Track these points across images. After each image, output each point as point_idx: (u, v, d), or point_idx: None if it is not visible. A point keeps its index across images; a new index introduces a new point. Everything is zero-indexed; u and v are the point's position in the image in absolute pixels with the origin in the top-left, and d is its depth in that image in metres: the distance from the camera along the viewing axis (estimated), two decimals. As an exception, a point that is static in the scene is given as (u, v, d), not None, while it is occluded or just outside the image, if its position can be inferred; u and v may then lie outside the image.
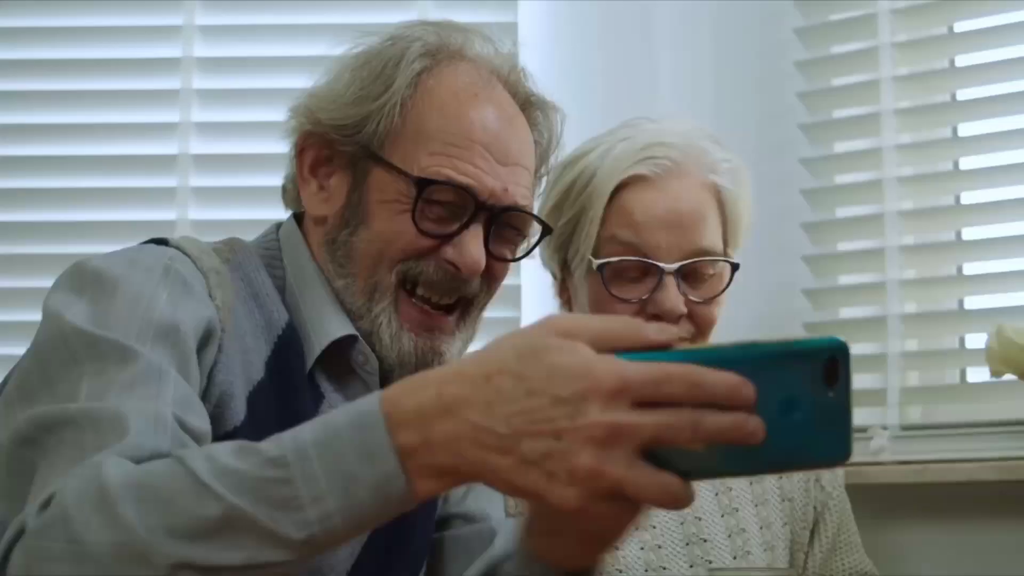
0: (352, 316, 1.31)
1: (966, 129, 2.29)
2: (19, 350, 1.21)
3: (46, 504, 0.92)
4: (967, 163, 2.27)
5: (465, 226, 1.30)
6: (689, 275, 1.58)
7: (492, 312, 1.44)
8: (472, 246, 1.30)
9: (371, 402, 0.90)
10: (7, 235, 2.39)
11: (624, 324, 0.88)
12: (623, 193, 1.59)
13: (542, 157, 1.42)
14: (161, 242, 1.28)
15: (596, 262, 1.59)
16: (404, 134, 1.31)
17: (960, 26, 2.30)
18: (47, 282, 1.23)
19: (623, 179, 1.59)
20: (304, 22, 2.43)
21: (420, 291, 1.31)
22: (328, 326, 1.30)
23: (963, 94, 2.29)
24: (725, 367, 0.83)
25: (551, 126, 1.42)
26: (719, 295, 1.60)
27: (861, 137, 2.32)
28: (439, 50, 1.34)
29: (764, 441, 0.82)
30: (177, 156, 2.39)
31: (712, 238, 1.60)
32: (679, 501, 0.84)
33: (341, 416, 0.90)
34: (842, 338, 0.86)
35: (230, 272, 1.27)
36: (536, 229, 1.39)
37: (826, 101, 2.36)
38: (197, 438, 1.08)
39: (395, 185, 1.30)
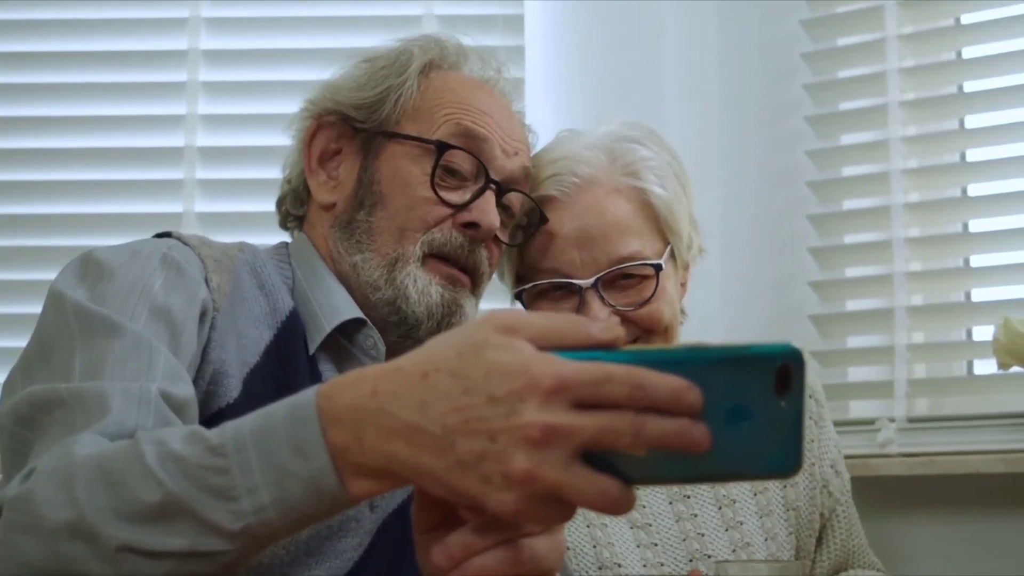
0: (369, 289, 1.37)
1: (973, 121, 2.29)
2: (26, 342, 1.22)
3: (25, 479, 0.94)
4: (974, 155, 2.27)
5: (481, 191, 1.40)
6: (611, 286, 1.53)
7: (487, 303, 1.48)
8: (490, 207, 1.40)
9: (308, 396, 0.88)
10: (13, 227, 2.39)
11: (568, 321, 0.84)
12: None
13: None
14: (166, 235, 1.33)
15: (513, 290, 1.58)
16: (421, 108, 1.41)
17: (967, 18, 2.30)
18: (53, 274, 1.25)
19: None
20: (310, 14, 2.43)
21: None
22: (338, 309, 1.36)
23: (970, 86, 2.28)
24: (671, 370, 0.79)
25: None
26: (650, 299, 1.54)
27: (868, 129, 2.32)
28: (443, 58, 1.46)
29: (709, 449, 0.79)
30: (183, 148, 2.39)
31: (632, 244, 1.54)
32: (619, 506, 0.80)
33: (279, 408, 0.89)
34: (798, 345, 0.81)
35: (238, 265, 1.33)
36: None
37: (833, 93, 2.35)
38: (181, 407, 1.10)
39: (411, 155, 1.39)
